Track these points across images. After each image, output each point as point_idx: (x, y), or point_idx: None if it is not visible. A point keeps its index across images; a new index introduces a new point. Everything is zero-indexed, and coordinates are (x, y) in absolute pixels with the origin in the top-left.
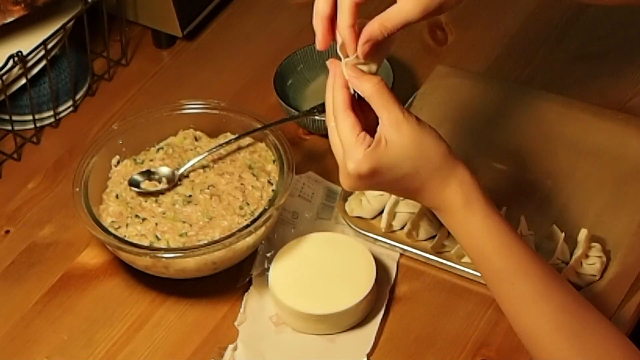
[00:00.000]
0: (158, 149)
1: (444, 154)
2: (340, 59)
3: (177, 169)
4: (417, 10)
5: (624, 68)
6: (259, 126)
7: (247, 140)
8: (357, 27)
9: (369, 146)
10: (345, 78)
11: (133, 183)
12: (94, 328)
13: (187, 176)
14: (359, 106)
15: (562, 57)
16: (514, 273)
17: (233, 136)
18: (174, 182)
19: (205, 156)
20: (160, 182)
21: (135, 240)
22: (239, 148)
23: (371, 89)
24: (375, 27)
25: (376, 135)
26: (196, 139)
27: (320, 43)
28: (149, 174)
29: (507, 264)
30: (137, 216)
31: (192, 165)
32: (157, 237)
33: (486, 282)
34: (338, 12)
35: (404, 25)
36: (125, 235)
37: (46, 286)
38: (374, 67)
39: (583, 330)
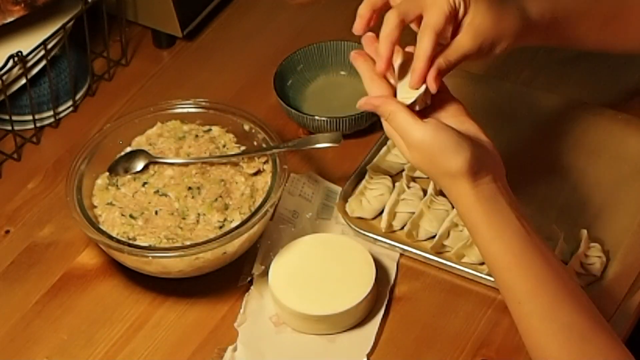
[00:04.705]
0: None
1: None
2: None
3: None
4: (474, 44)
5: (624, 68)
6: (251, 125)
7: (237, 143)
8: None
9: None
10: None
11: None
12: (94, 328)
13: (174, 178)
14: None
15: (562, 57)
16: (521, 292)
17: (223, 130)
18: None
19: (192, 162)
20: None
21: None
22: (225, 146)
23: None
24: (441, 61)
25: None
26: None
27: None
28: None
29: (515, 283)
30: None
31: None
32: (159, 237)
33: (499, 290)
34: (419, 39)
35: (462, 59)
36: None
37: (46, 286)
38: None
39: (588, 349)
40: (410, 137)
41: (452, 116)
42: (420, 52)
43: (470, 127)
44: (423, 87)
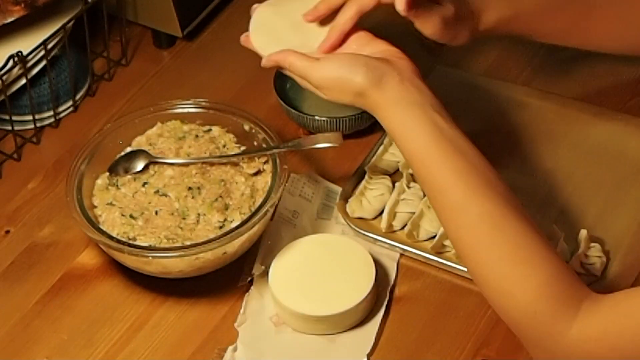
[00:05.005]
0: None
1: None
2: None
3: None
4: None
5: (624, 68)
6: (251, 125)
7: (237, 143)
8: None
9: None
10: None
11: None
12: (94, 328)
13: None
14: None
15: (562, 57)
16: (436, 186)
17: (223, 130)
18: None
19: (190, 162)
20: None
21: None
22: (225, 146)
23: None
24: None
25: None
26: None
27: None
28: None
29: (431, 178)
30: (131, 215)
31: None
32: (158, 237)
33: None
34: (343, 11)
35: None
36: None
37: (46, 286)
38: None
39: (499, 236)
40: (314, 79)
41: (361, 46)
42: (338, 23)
43: (380, 45)
44: None
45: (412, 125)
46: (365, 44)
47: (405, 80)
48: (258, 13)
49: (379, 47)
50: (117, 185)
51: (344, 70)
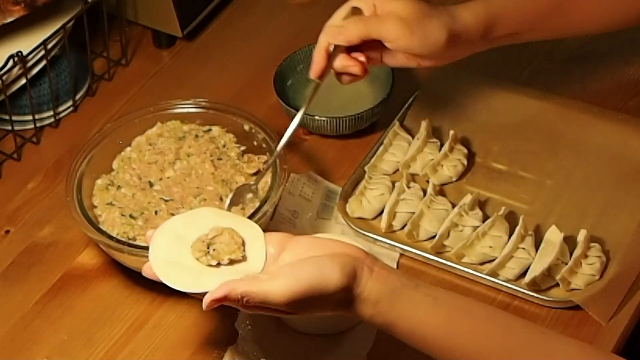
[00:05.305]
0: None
1: (339, 285)
2: None
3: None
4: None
5: (624, 68)
6: (251, 125)
7: (237, 143)
8: None
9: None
10: None
11: None
12: (94, 328)
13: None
14: None
15: (562, 57)
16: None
17: (223, 130)
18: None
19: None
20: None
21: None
22: (225, 146)
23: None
24: None
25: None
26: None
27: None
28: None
29: (462, 351)
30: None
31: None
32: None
33: None
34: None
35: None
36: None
37: (46, 286)
38: None
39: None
40: (279, 299)
41: (304, 251)
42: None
43: (322, 246)
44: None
45: (413, 314)
46: (305, 250)
47: (373, 265)
48: (154, 239)
49: (322, 248)
50: (117, 185)
51: (313, 274)
